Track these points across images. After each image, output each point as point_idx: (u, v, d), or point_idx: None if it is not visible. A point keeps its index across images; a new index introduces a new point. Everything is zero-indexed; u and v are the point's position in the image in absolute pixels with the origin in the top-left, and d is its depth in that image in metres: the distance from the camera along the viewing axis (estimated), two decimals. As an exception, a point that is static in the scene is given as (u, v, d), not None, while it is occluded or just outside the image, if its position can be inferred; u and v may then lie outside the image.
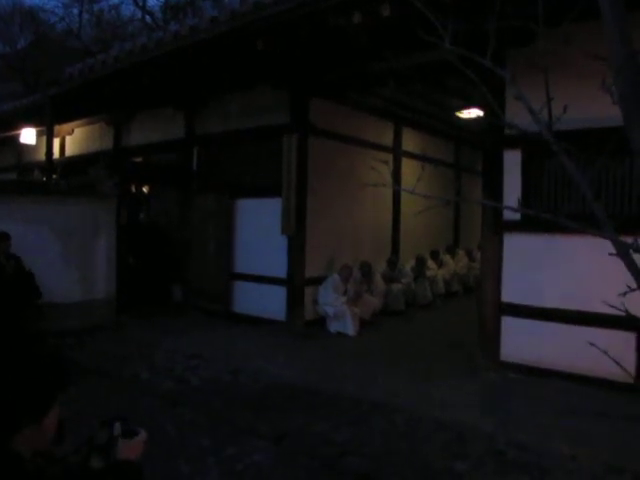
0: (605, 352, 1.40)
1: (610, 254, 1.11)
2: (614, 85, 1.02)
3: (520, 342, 5.59)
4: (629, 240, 1.08)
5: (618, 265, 1.18)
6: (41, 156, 10.42)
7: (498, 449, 3.93)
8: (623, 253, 1.05)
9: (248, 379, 5.58)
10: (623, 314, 1.35)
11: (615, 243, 1.06)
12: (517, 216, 5.36)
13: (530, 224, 5.33)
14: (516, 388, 5.23)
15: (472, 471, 3.64)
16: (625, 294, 1.12)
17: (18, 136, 11.41)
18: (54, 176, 9.50)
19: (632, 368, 4.84)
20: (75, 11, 22.14)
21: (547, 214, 1.28)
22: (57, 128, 10.61)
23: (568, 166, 1.16)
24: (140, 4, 20.53)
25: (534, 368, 5.41)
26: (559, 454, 3.79)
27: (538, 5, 1.35)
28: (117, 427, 1.63)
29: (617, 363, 1.27)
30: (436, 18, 1.54)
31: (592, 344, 1.50)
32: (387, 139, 9.93)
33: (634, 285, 1.06)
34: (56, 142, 11.58)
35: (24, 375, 1.48)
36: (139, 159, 11.12)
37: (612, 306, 1.37)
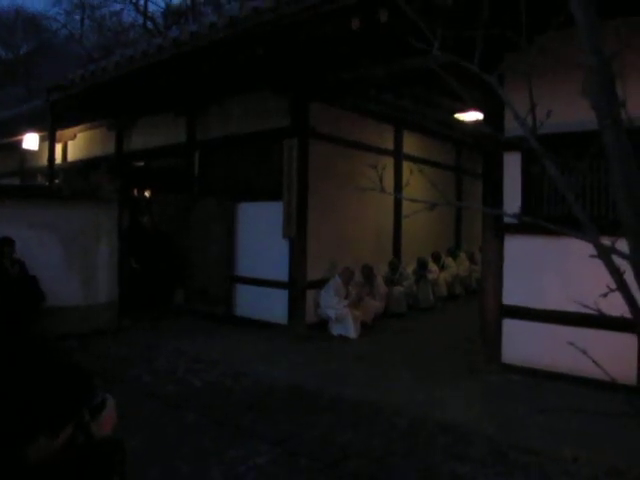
0: (584, 352, 1.41)
1: (591, 256, 1.13)
2: (588, 92, 1.05)
3: (521, 344, 5.61)
4: (611, 241, 1.10)
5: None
6: (44, 161, 10.49)
7: (500, 451, 3.93)
8: (604, 255, 1.08)
9: (250, 382, 5.59)
10: (625, 316, 1.36)
11: (596, 246, 1.09)
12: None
13: (530, 226, 5.33)
14: (518, 390, 5.23)
15: (474, 473, 3.64)
16: (606, 295, 1.14)
17: (21, 141, 11.47)
18: (56, 181, 9.54)
19: (634, 369, 4.85)
20: (77, 17, 22.27)
21: (527, 217, 1.30)
22: (59, 133, 10.67)
23: (550, 169, 1.19)
24: (141, 10, 20.62)
25: (535, 370, 5.42)
26: (561, 456, 3.79)
27: (522, 14, 1.37)
28: (85, 413, 1.55)
29: (596, 363, 1.29)
30: (428, 24, 1.56)
31: (571, 343, 1.52)
32: (388, 142, 9.96)
33: (614, 286, 1.08)
34: (58, 147, 11.64)
35: (53, 387, 1.47)
36: (141, 164, 11.18)
37: (586, 306, 1.39)
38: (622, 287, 1.09)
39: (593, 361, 1.29)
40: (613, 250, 1.07)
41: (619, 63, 1.09)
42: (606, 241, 1.11)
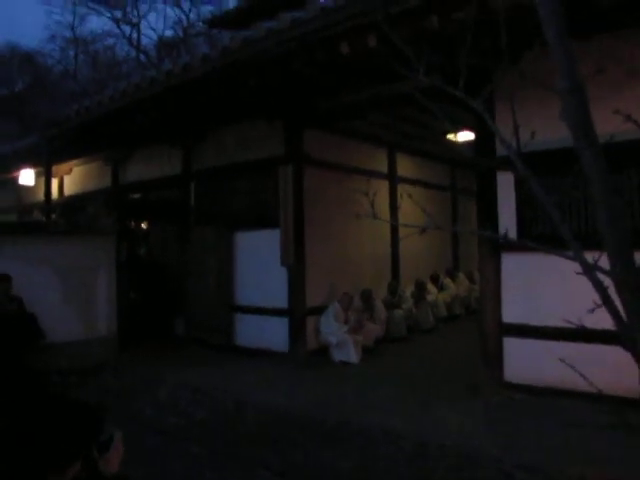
0: (572, 366, 1.42)
1: (577, 273, 1.16)
2: (563, 114, 1.07)
3: (523, 362, 5.57)
4: (598, 256, 1.13)
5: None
6: (40, 196, 10.52)
7: (506, 472, 3.90)
8: (588, 272, 1.10)
9: (252, 412, 5.55)
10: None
11: (580, 263, 1.11)
12: (513, 236, 5.39)
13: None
14: (521, 409, 5.20)
15: (481, 495, 3.62)
16: (593, 310, 1.16)
17: (17, 177, 11.53)
18: (53, 216, 9.57)
19: (636, 382, 4.82)
20: (71, 53, 22.54)
21: (513, 238, 1.33)
22: (55, 168, 10.72)
23: (536, 189, 1.21)
24: (134, 43, 20.90)
25: (538, 388, 5.38)
26: (567, 475, 3.76)
27: (502, 38, 1.41)
28: (93, 449, 1.57)
29: (583, 377, 1.30)
30: (415, 49, 1.59)
31: (562, 360, 1.53)
32: (382, 166, 10.03)
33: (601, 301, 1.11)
34: (55, 182, 11.70)
35: (60, 425, 1.48)
36: (137, 196, 11.22)
37: (568, 321, 1.40)
38: (607, 302, 1.10)
39: (580, 374, 1.30)
40: (596, 267, 1.09)
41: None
42: (594, 256, 1.13)
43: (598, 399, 4.78)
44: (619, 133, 2.00)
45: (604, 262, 1.09)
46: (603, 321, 1.43)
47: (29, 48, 23.20)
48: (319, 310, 7.93)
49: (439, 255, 11.64)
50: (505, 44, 1.39)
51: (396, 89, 5.88)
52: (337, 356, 7.64)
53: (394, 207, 9.82)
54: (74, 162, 11.62)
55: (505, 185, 5.69)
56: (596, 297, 1.26)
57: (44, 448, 1.43)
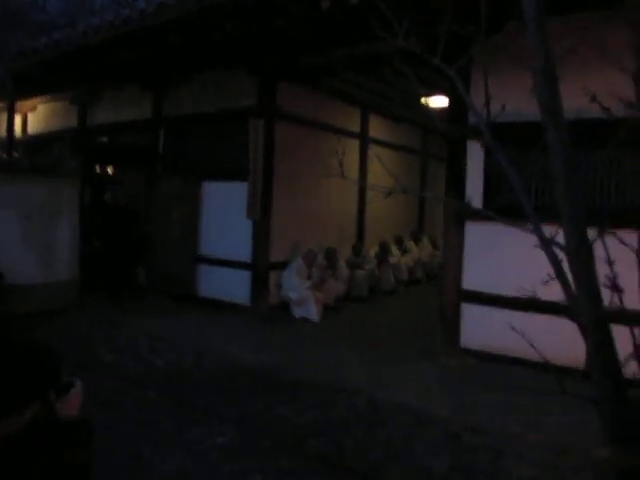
0: (522, 335, 1.49)
1: (535, 245, 1.19)
2: (534, 90, 1.09)
3: (479, 329, 5.71)
4: (556, 229, 1.16)
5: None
6: (2, 133, 10.19)
7: (454, 432, 4.04)
8: (544, 245, 1.14)
9: (212, 362, 5.60)
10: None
11: (537, 235, 1.15)
12: (479, 205, 5.47)
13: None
14: (474, 374, 5.35)
15: (429, 453, 3.75)
16: (547, 282, 1.21)
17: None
18: (15, 154, 9.29)
19: (581, 353, 5.01)
20: (39, -18, 21.47)
21: (477, 208, 1.36)
22: (19, 104, 10.36)
23: (500, 158, 1.23)
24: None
25: (492, 354, 5.53)
26: (512, 437, 3.92)
27: (482, 7, 1.41)
28: (51, 392, 1.61)
29: (532, 346, 1.36)
30: (396, 12, 1.58)
31: (513, 328, 1.59)
32: (354, 125, 9.98)
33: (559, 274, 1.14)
34: (18, 119, 11.31)
35: (17, 368, 1.49)
36: (104, 139, 10.95)
37: (522, 291, 1.46)
38: (560, 274, 1.15)
39: (530, 344, 1.35)
40: (552, 241, 1.13)
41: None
42: (551, 230, 1.17)
43: (546, 368, 4.97)
44: (585, 110, 2.03)
45: (561, 239, 1.13)
46: (555, 293, 1.48)
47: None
48: (282, 265, 7.97)
49: (405, 218, 11.76)
50: (485, 15, 1.39)
51: (374, 50, 5.81)
52: (298, 312, 7.72)
53: (364, 168, 9.82)
54: (39, 99, 11.23)
55: (475, 155, 5.72)
56: (550, 270, 1.30)
57: (2, 389, 1.44)
